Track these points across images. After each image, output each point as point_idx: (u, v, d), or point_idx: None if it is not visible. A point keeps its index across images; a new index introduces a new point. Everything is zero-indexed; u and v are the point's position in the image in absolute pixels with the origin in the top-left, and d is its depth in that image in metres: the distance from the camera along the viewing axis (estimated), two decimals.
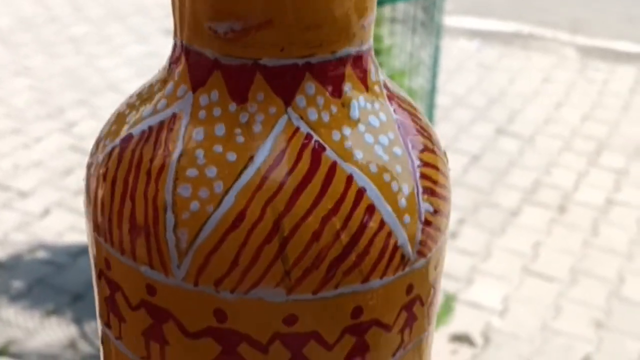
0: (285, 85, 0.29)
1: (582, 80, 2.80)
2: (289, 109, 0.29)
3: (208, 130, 0.29)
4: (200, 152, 0.29)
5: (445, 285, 1.67)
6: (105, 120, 0.35)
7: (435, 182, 0.31)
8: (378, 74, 0.32)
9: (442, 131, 2.24)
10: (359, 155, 0.29)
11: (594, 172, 2.20)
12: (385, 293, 0.30)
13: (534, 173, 2.17)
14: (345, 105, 0.30)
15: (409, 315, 0.31)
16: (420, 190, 0.30)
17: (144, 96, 0.32)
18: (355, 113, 0.30)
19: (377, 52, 1.63)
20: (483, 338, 1.57)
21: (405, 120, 0.31)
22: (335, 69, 0.29)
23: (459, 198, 1.98)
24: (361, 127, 0.30)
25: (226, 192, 0.28)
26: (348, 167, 0.29)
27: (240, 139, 0.29)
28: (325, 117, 0.29)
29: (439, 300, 0.34)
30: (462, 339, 1.56)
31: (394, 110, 0.31)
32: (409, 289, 0.30)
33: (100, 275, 0.32)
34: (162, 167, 0.29)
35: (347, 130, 0.29)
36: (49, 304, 1.58)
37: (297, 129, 0.29)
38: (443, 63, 2.21)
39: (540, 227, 1.93)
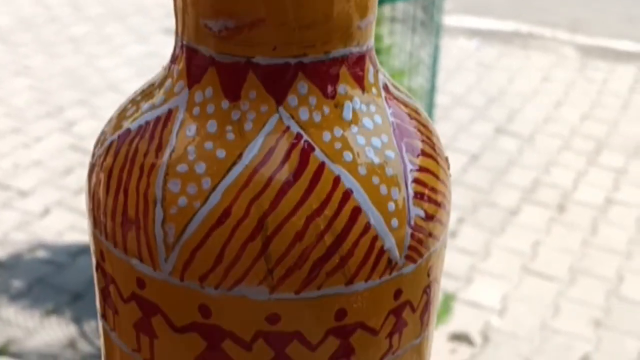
0: (277, 84, 0.29)
1: (581, 79, 2.80)
2: (281, 108, 0.29)
3: (201, 126, 0.29)
4: (191, 148, 0.29)
5: (444, 284, 1.67)
6: (105, 120, 0.36)
7: (429, 187, 0.31)
8: (377, 76, 0.31)
9: (441, 130, 2.23)
10: (348, 156, 0.29)
11: (594, 171, 2.20)
12: (371, 296, 0.29)
13: (534, 172, 2.17)
14: (338, 106, 0.30)
15: (398, 320, 0.31)
16: (412, 194, 0.30)
17: (145, 93, 0.32)
18: (348, 114, 0.30)
19: (377, 52, 1.62)
20: (482, 337, 1.57)
21: (402, 124, 0.31)
22: (329, 70, 0.29)
23: (458, 197, 1.98)
24: (354, 128, 0.30)
25: (213, 188, 0.28)
26: (336, 168, 0.29)
27: (231, 136, 0.29)
28: (317, 117, 0.29)
29: (436, 306, 0.33)
30: (461, 338, 1.56)
31: (392, 113, 0.31)
32: (397, 293, 0.30)
33: (97, 267, 0.33)
34: (155, 162, 0.29)
35: (338, 131, 0.29)
36: (48, 303, 1.58)
37: (288, 128, 0.29)
38: (442, 62, 2.21)
39: (540, 226, 1.93)
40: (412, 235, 0.30)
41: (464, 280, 1.72)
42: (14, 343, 1.48)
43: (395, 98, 0.32)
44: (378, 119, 0.30)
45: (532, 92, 2.67)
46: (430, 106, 1.80)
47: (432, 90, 1.80)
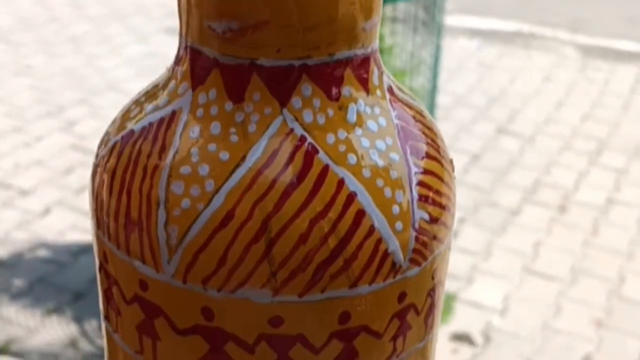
0: (281, 86, 0.29)
1: (582, 79, 2.80)
2: (285, 110, 0.29)
3: (204, 128, 0.29)
4: (194, 150, 0.29)
5: (445, 284, 1.67)
6: (106, 119, 0.36)
7: (434, 190, 0.31)
8: (382, 78, 0.31)
9: (442, 130, 2.23)
10: (352, 159, 0.29)
11: (595, 171, 2.19)
12: (375, 299, 0.29)
13: (535, 172, 2.17)
14: (343, 109, 0.29)
15: (402, 323, 0.31)
16: (416, 197, 0.30)
17: (149, 94, 0.32)
18: (352, 116, 0.30)
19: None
20: (483, 337, 1.57)
21: (407, 126, 0.31)
22: (334, 72, 0.29)
23: (459, 197, 1.97)
24: (358, 131, 0.29)
25: (217, 190, 0.28)
26: (340, 171, 0.28)
27: (235, 138, 0.29)
28: (321, 120, 0.29)
29: (440, 309, 0.33)
30: (462, 338, 1.56)
31: (396, 116, 0.31)
32: (401, 296, 0.30)
33: (100, 268, 0.32)
34: (158, 163, 0.29)
35: (342, 134, 0.29)
36: (49, 302, 1.58)
37: (292, 130, 0.29)
38: (444, 62, 2.21)
39: (541, 226, 1.93)
40: (416, 238, 0.30)
41: (465, 280, 1.72)
42: (15, 342, 1.48)
43: (400, 100, 0.32)
44: (382, 121, 0.30)
45: (533, 92, 2.67)
46: (431, 106, 1.80)
47: (433, 90, 1.80)
